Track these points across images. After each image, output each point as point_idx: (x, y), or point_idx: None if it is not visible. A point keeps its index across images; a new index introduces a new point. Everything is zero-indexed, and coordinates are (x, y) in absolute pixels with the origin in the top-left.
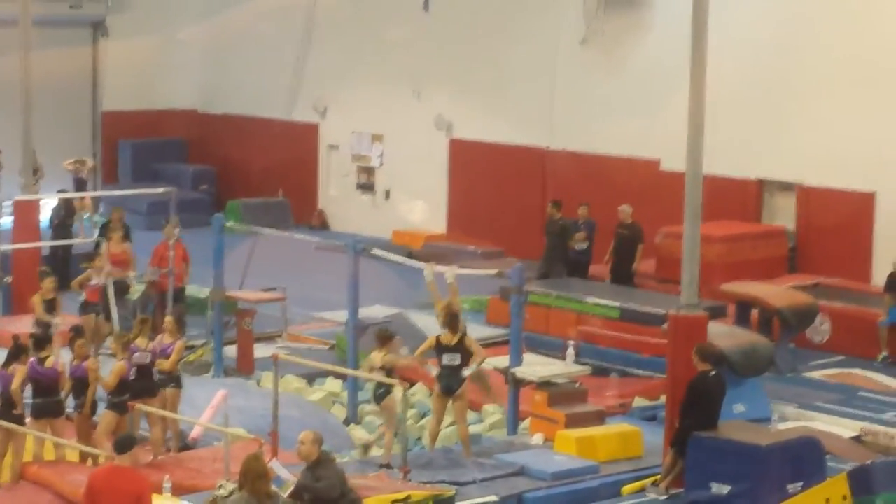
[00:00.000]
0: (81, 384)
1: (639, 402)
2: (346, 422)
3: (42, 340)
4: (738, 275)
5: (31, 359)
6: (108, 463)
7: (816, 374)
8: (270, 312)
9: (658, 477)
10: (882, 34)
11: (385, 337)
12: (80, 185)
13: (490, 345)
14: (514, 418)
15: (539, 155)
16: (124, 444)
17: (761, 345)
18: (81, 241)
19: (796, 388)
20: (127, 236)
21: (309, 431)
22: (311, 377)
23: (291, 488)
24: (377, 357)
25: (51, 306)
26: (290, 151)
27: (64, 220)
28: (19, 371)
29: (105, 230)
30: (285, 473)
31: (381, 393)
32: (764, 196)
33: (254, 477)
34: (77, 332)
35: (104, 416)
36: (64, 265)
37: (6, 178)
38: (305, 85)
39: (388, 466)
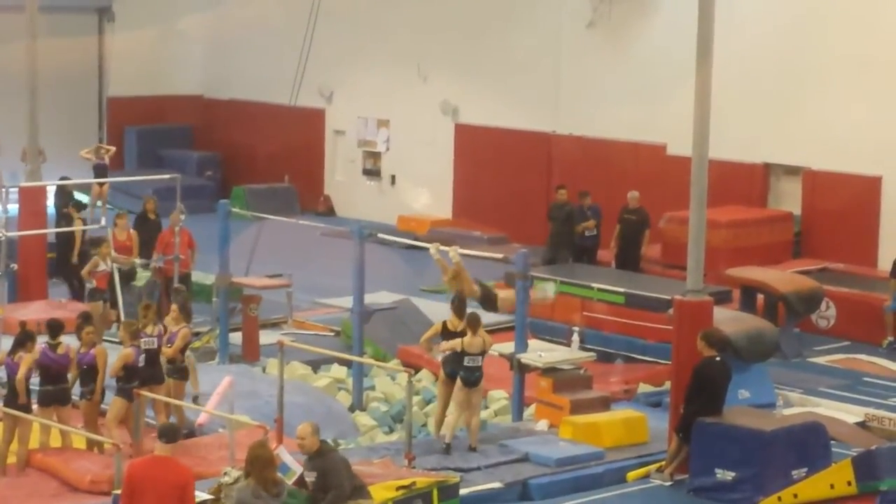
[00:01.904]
0: (89, 371)
1: (644, 387)
2: (352, 408)
3: (56, 327)
4: (743, 260)
5: (42, 345)
6: (150, 454)
7: (821, 360)
8: (276, 298)
9: (663, 463)
10: (889, 18)
11: (477, 321)
12: (100, 171)
13: (495, 331)
14: (520, 404)
15: (545, 140)
16: (172, 433)
17: (766, 330)
18: (87, 227)
19: (801, 373)
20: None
21: (306, 424)
22: (317, 364)
23: (297, 476)
24: (476, 344)
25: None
26: (296, 137)
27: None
28: (25, 360)
29: (140, 220)
30: (291, 460)
31: (478, 377)
32: (770, 180)
33: (261, 464)
34: (85, 319)
35: (114, 403)
36: (68, 253)
37: (9, 163)
38: (311, 70)
39: (473, 449)
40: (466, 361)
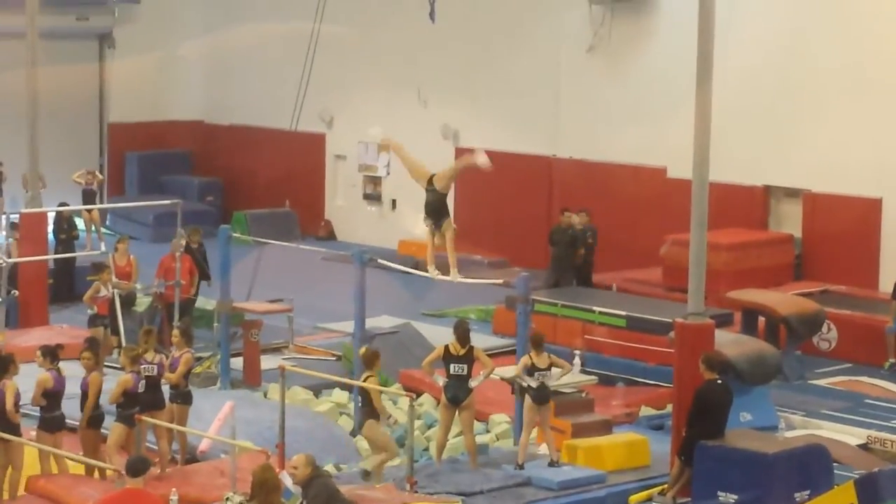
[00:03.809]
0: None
1: (645, 411)
2: (353, 433)
3: (56, 353)
4: (744, 282)
5: (52, 371)
6: (121, 488)
7: (823, 382)
8: (277, 323)
9: (665, 486)
10: (888, 41)
11: (536, 339)
12: (88, 196)
13: (496, 354)
14: (521, 428)
15: (545, 163)
16: (138, 467)
17: (768, 353)
18: (87, 253)
19: (803, 395)
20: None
21: (301, 455)
22: (318, 388)
23: (299, 502)
24: (543, 360)
25: None
26: (297, 162)
27: (68, 233)
28: (10, 388)
29: (188, 250)
30: (293, 486)
31: (548, 394)
32: (770, 203)
33: (268, 489)
34: (91, 344)
35: (114, 429)
36: (68, 278)
37: (10, 190)
38: (311, 95)
39: (555, 463)
40: (537, 377)
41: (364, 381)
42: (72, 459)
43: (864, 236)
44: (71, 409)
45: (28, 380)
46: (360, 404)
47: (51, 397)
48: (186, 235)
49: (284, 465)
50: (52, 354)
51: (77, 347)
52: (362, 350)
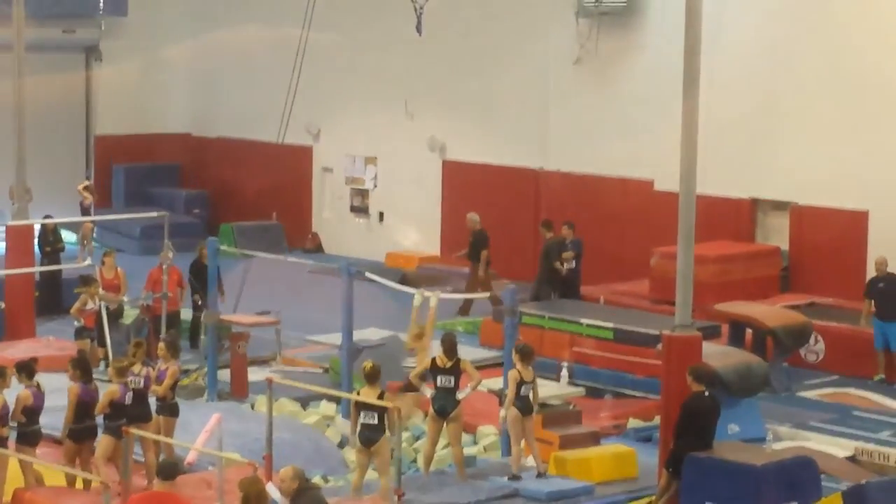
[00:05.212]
0: (83, 408)
1: (633, 423)
2: (341, 445)
3: (32, 368)
4: (731, 295)
5: (32, 388)
6: (148, 489)
7: (811, 394)
8: (264, 336)
9: (653, 498)
10: (874, 56)
11: (528, 352)
12: (86, 212)
13: (484, 367)
14: (509, 440)
15: (532, 176)
16: (170, 470)
17: (755, 365)
18: (73, 266)
19: (791, 407)
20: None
21: (288, 468)
22: (306, 400)
23: None
24: (528, 373)
25: None
26: (284, 174)
27: (54, 245)
28: None
29: (195, 267)
30: (280, 497)
31: (531, 405)
32: (757, 215)
33: (258, 501)
34: (81, 356)
35: (102, 441)
36: (55, 290)
37: None
38: (298, 108)
39: (542, 474)
40: (523, 391)
41: (380, 397)
42: (63, 471)
43: (850, 249)
44: (56, 420)
45: (10, 392)
46: (373, 421)
47: (30, 413)
48: (196, 250)
49: (272, 477)
50: (27, 370)
51: (63, 359)
52: (368, 365)
